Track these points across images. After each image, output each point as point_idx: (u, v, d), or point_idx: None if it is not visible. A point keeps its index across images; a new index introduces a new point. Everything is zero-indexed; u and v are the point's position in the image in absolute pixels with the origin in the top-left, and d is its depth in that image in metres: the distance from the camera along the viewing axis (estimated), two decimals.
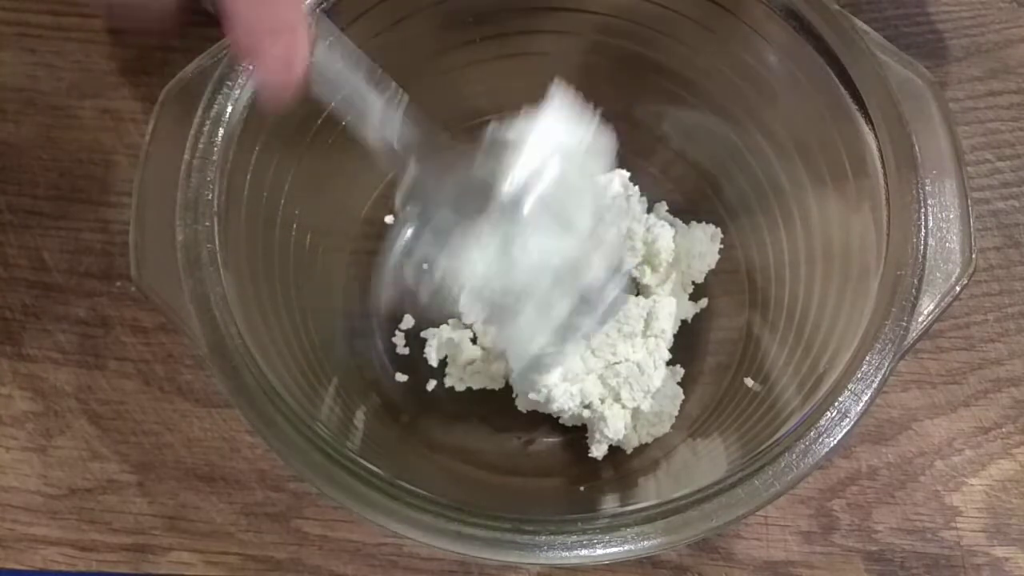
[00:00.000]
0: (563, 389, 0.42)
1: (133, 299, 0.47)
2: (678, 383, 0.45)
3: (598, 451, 0.43)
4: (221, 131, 0.37)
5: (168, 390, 0.46)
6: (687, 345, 0.46)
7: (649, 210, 0.48)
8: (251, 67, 0.32)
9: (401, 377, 0.46)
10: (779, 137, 0.43)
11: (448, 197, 0.35)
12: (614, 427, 0.42)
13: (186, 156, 0.36)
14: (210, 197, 0.36)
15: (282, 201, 0.41)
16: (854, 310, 0.36)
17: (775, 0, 0.39)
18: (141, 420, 0.46)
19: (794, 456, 0.33)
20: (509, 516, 0.33)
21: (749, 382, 0.42)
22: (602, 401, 0.43)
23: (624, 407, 0.43)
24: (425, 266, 0.36)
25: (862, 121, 0.37)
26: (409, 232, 0.36)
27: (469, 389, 0.46)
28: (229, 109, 0.37)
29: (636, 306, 0.44)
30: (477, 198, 0.34)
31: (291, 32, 0.30)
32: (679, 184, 0.49)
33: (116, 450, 0.45)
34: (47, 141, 0.50)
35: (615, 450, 0.44)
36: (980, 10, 0.54)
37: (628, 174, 0.47)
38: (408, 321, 0.47)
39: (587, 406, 0.43)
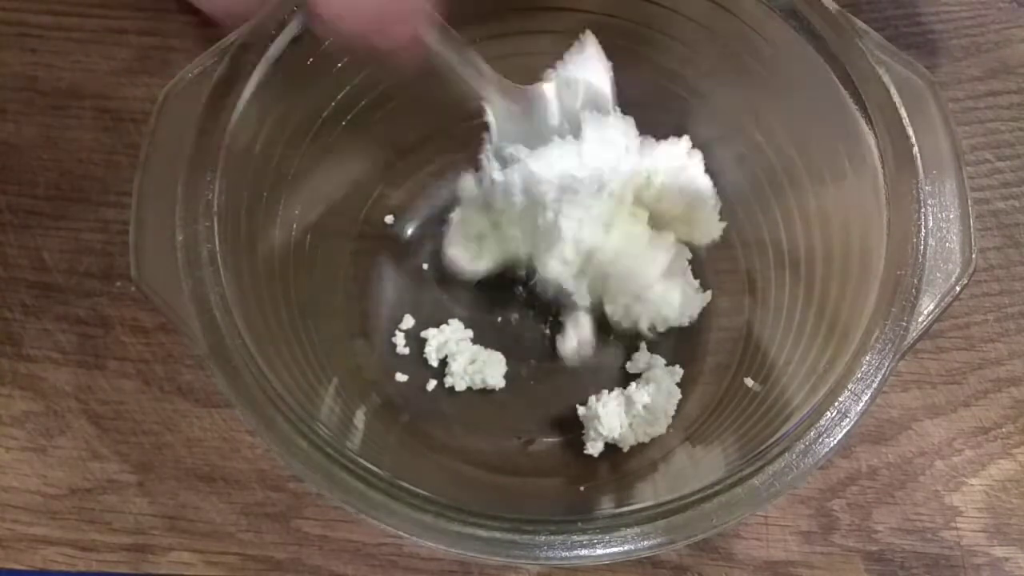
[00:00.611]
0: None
1: (133, 299, 0.47)
2: (677, 383, 0.45)
3: (593, 448, 0.43)
4: (221, 131, 0.36)
5: (168, 390, 0.46)
6: (687, 345, 0.46)
7: None
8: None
9: (401, 377, 0.46)
10: (779, 137, 0.43)
11: (521, 134, 0.42)
12: (608, 424, 0.42)
13: (186, 156, 0.36)
14: (210, 197, 0.36)
15: (282, 201, 0.41)
16: (854, 310, 0.36)
17: (775, 0, 0.39)
18: (141, 420, 0.46)
19: (794, 456, 0.33)
20: (509, 516, 0.33)
21: (749, 382, 0.42)
22: (597, 399, 0.43)
23: (622, 398, 0.43)
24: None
25: (862, 121, 0.37)
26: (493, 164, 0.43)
27: (469, 389, 0.46)
28: (229, 109, 0.37)
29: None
30: (542, 132, 0.43)
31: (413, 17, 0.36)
32: None
33: (116, 450, 0.45)
34: (47, 141, 0.50)
35: (615, 450, 0.44)
36: (980, 10, 0.54)
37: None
38: (408, 321, 0.47)
39: (582, 403, 0.44)
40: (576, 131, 0.42)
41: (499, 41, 0.45)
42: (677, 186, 0.45)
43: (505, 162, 0.43)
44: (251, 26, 0.38)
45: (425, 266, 0.48)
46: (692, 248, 0.47)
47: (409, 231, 0.49)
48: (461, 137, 0.49)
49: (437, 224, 0.48)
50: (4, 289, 0.48)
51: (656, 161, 0.45)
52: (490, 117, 0.42)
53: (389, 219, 0.48)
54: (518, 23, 0.44)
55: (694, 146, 0.46)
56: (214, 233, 0.35)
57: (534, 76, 0.46)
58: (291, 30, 0.38)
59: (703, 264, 0.48)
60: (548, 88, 0.43)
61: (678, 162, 0.46)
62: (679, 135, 0.47)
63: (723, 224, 0.47)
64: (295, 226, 0.42)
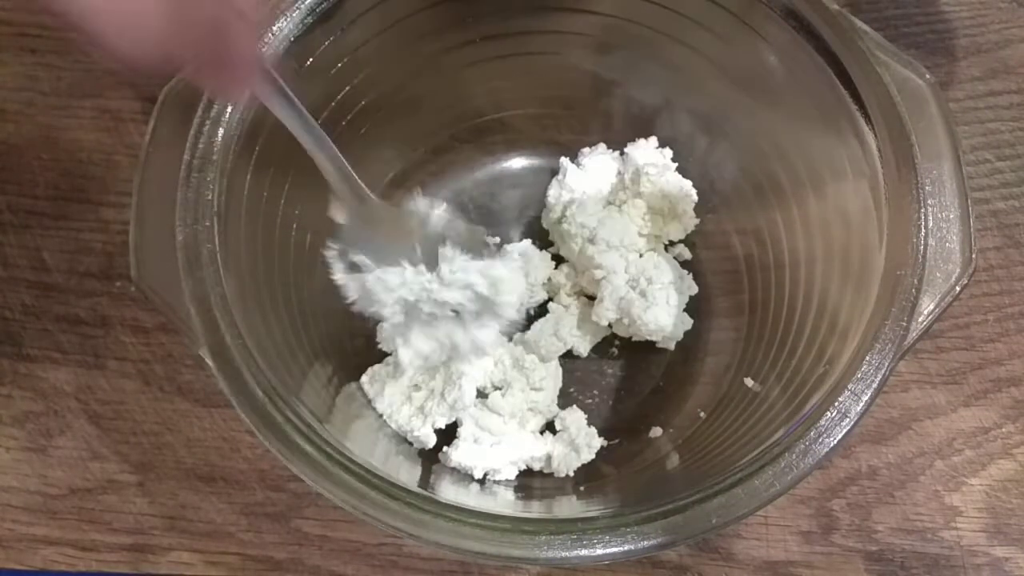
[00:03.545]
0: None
1: (133, 299, 0.47)
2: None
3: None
4: (221, 131, 0.37)
5: (168, 390, 0.46)
6: (687, 344, 0.46)
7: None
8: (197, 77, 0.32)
9: None
10: (779, 137, 0.43)
11: (374, 245, 0.40)
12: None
13: (186, 156, 0.36)
14: (210, 197, 0.36)
15: (282, 201, 0.41)
16: (854, 310, 0.36)
17: (775, 0, 0.39)
18: (141, 420, 0.46)
19: (794, 456, 0.33)
20: (509, 516, 0.33)
21: (749, 382, 0.42)
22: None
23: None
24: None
25: (862, 121, 0.37)
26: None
27: None
28: (229, 109, 0.37)
29: None
30: (400, 248, 0.40)
31: (222, 28, 0.28)
32: None
33: (116, 450, 0.45)
34: (47, 141, 0.50)
35: (614, 449, 0.44)
36: (980, 10, 0.54)
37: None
38: None
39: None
40: (430, 262, 0.40)
41: (499, 41, 0.45)
42: (659, 186, 0.46)
43: (350, 264, 0.40)
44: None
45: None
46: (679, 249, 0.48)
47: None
48: (461, 137, 0.49)
49: None
50: (4, 289, 0.48)
51: (638, 165, 0.47)
52: (335, 213, 0.39)
53: None
54: (518, 23, 0.44)
55: (683, 144, 0.47)
56: (214, 233, 0.35)
57: (534, 76, 0.46)
58: (291, 30, 0.38)
59: (703, 264, 0.48)
60: (405, 209, 0.40)
61: (656, 162, 0.47)
62: (675, 135, 0.48)
63: (696, 219, 0.48)
64: (295, 226, 0.42)
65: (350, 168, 0.37)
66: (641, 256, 0.46)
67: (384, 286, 0.39)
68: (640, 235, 0.47)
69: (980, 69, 0.52)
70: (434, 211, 0.40)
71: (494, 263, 0.41)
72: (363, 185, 0.38)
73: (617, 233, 0.45)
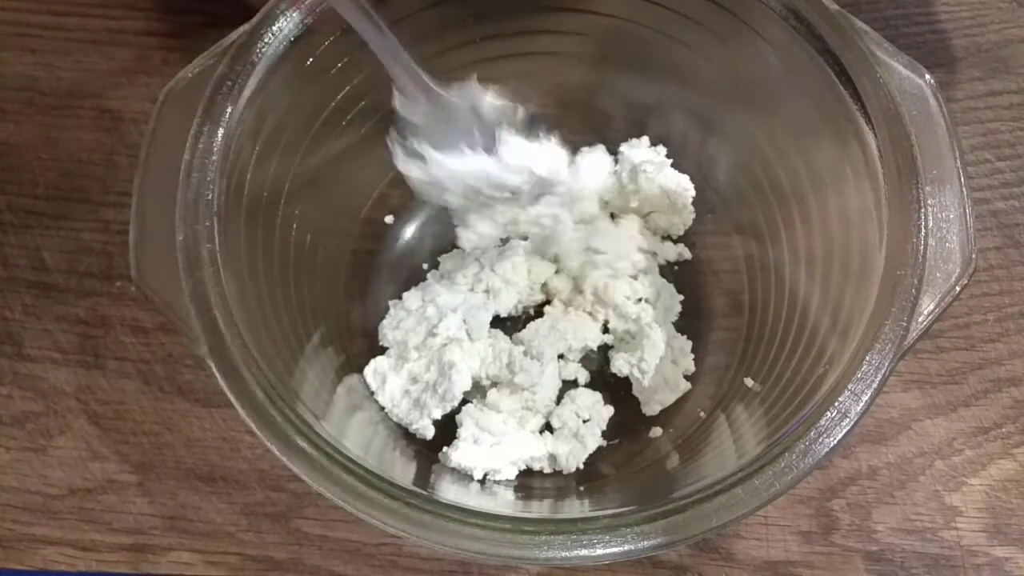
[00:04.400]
0: None
1: (133, 299, 0.47)
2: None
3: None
4: (221, 131, 0.36)
5: (168, 390, 0.46)
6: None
7: None
8: None
9: None
10: (779, 137, 0.43)
11: (431, 131, 0.41)
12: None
13: (186, 156, 0.36)
14: (210, 197, 0.36)
15: (282, 201, 0.41)
16: (854, 310, 0.36)
17: (775, 0, 0.39)
18: (141, 420, 0.46)
19: (794, 456, 0.33)
20: (509, 516, 0.33)
21: (749, 382, 0.42)
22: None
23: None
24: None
25: (862, 121, 0.37)
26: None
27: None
28: (229, 109, 0.37)
29: None
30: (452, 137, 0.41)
31: None
32: None
33: (116, 450, 0.45)
34: (47, 141, 0.50)
35: (614, 449, 0.44)
36: (980, 10, 0.54)
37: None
38: None
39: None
40: (490, 146, 0.41)
41: (499, 41, 0.45)
42: (657, 183, 0.46)
43: (411, 152, 0.41)
44: (251, 26, 0.38)
45: (425, 266, 0.48)
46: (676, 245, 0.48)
47: (409, 231, 0.49)
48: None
49: (437, 224, 0.49)
50: (4, 289, 0.48)
51: (634, 163, 0.47)
52: (397, 104, 0.40)
53: (389, 219, 0.49)
54: (518, 23, 0.44)
55: (682, 145, 0.48)
56: (214, 233, 0.35)
57: (535, 76, 0.46)
58: (291, 30, 0.38)
59: (703, 264, 0.48)
60: (464, 96, 0.41)
61: (652, 159, 0.47)
62: (675, 135, 0.48)
63: (694, 213, 0.48)
64: (295, 226, 0.42)
65: (412, 61, 0.38)
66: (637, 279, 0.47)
67: (446, 171, 0.40)
68: (640, 251, 0.47)
69: (980, 69, 0.52)
70: (488, 97, 0.41)
71: (548, 144, 0.42)
72: (425, 78, 0.39)
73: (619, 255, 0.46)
